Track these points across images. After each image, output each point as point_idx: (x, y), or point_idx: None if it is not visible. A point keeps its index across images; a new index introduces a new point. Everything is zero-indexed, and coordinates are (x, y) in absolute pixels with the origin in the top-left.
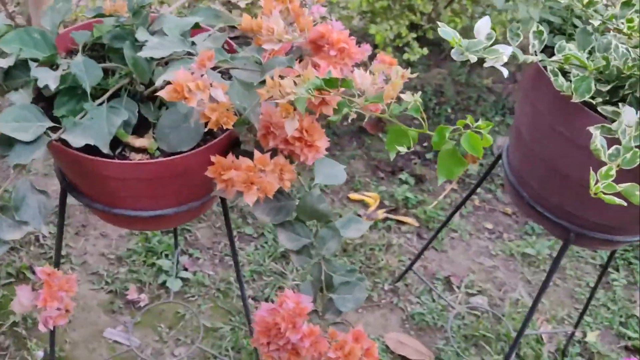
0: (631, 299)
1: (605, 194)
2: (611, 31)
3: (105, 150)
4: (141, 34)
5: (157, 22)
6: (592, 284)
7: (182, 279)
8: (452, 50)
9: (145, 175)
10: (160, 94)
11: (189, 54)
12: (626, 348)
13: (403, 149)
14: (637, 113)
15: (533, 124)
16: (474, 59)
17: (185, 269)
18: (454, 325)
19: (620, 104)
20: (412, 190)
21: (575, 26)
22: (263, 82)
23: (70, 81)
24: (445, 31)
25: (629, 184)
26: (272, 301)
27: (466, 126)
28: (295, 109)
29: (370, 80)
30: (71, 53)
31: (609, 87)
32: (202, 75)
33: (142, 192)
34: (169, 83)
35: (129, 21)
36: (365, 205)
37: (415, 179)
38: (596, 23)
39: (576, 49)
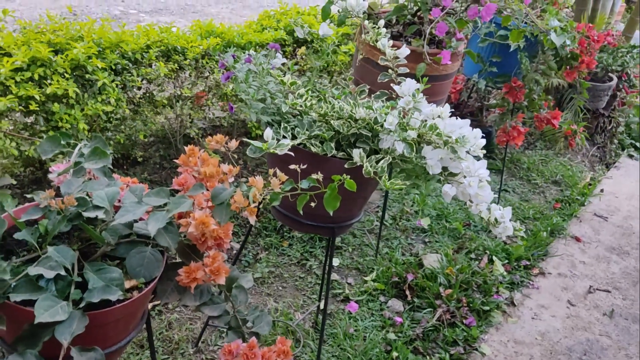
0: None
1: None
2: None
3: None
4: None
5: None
6: (301, 274)
7: None
8: (248, 149)
9: (139, 305)
10: (191, 229)
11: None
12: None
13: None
14: (359, 152)
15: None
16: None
17: None
18: None
19: (349, 150)
20: None
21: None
22: (221, 204)
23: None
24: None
25: (393, 180)
26: None
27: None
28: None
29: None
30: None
31: (334, 143)
32: (202, 209)
33: (127, 323)
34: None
35: (74, 210)
36: None
37: None
38: (314, 115)
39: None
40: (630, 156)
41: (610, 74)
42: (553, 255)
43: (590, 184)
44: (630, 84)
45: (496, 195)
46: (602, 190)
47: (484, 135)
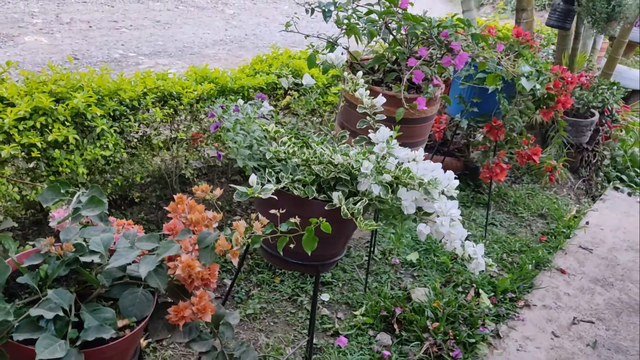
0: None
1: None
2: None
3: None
4: (95, 257)
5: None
6: (292, 310)
7: None
8: (235, 193)
9: (131, 342)
10: (178, 272)
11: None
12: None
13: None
14: (337, 195)
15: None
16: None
17: None
18: None
19: (329, 192)
20: None
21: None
22: (206, 247)
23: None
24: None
25: (368, 221)
26: None
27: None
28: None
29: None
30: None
31: (315, 186)
32: (190, 252)
33: (120, 359)
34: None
35: (72, 255)
36: None
37: None
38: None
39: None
40: (616, 188)
41: (592, 110)
42: (538, 288)
43: (575, 217)
44: (613, 118)
45: (482, 230)
46: (587, 223)
47: (468, 171)
